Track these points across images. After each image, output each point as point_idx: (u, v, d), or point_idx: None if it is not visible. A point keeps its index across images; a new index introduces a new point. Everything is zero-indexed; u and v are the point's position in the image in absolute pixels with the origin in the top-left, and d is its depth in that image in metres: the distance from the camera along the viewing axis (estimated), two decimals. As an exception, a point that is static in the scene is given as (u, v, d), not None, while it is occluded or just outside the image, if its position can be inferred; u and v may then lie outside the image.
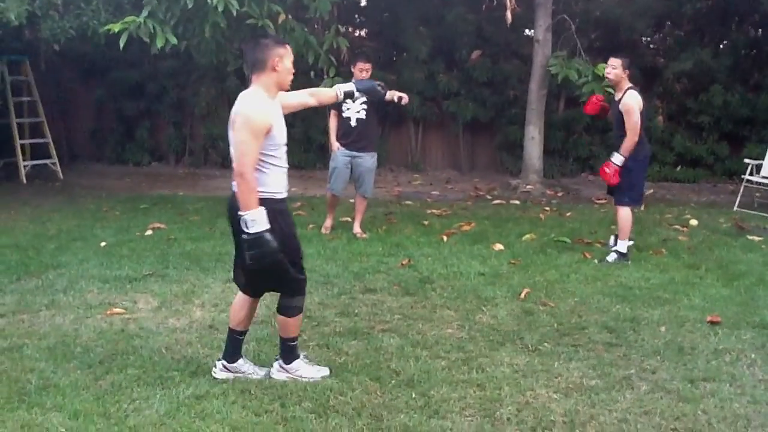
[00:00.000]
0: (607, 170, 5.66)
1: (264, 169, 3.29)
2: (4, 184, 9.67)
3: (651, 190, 9.54)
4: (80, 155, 11.83)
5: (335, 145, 6.61)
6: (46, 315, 4.51)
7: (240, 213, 3.17)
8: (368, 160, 6.61)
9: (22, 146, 10.14)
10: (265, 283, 3.50)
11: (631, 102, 5.54)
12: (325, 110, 6.92)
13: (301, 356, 3.64)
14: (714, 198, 9.10)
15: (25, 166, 10.03)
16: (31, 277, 5.30)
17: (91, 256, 5.82)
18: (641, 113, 5.58)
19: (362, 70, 6.42)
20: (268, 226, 3.17)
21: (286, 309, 3.49)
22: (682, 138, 10.22)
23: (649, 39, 11.22)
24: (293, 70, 3.37)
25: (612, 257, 5.73)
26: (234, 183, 3.24)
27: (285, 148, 3.44)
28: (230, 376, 3.55)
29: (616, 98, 5.71)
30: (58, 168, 10.27)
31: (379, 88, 4.00)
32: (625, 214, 5.71)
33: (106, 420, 3.14)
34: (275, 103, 3.37)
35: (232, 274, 3.67)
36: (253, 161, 3.21)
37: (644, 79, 10.36)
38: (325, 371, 3.60)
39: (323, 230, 6.77)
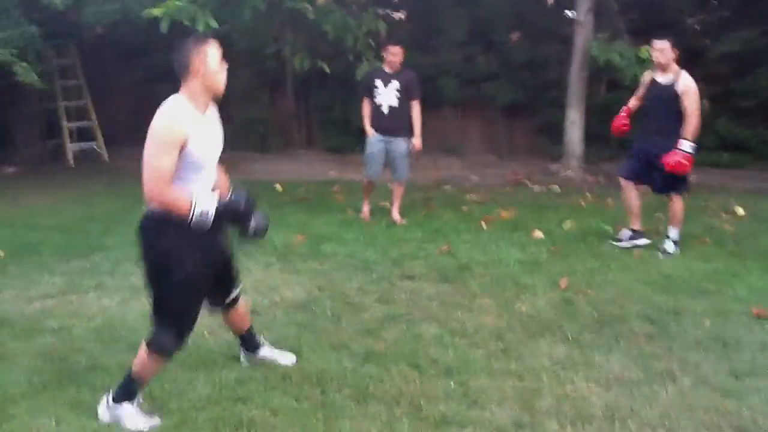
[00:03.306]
0: (683, 161, 5.30)
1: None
2: (52, 167, 9.91)
3: (695, 176, 9.32)
4: (121, 137, 12.05)
5: (370, 131, 6.61)
6: (94, 297, 4.64)
7: (188, 221, 2.80)
8: (402, 145, 6.59)
9: (69, 129, 10.37)
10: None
11: (691, 83, 5.36)
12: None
13: (135, 404, 3.08)
14: (760, 185, 8.86)
15: (72, 150, 10.25)
16: (78, 258, 5.45)
17: (134, 239, 5.92)
18: None
19: (394, 54, 6.40)
20: (215, 202, 2.85)
21: (150, 340, 3.01)
22: (727, 122, 9.93)
23: (693, 19, 10.90)
24: (223, 69, 2.93)
25: (671, 247, 5.58)
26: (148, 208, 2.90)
27: (206, 173, 2.95)
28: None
29: (662, 81, 5.53)
30: (104, 150, 10.48)
31: (240, 203, 3.01)
32: (679, 202, 5.61)
33: (150, 402, 3.22)
34: (205, 114, 2.92)
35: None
36: (168, 178, 2.75)
37: (687, 60, 10.04)
38: (155, 422, 3.05)
39: (362, 216, 6.81)
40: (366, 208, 6.88)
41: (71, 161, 10.16)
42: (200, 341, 3.90)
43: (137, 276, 4.97)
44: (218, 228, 2.94)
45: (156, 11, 6.88)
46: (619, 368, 3.58)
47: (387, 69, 6.50)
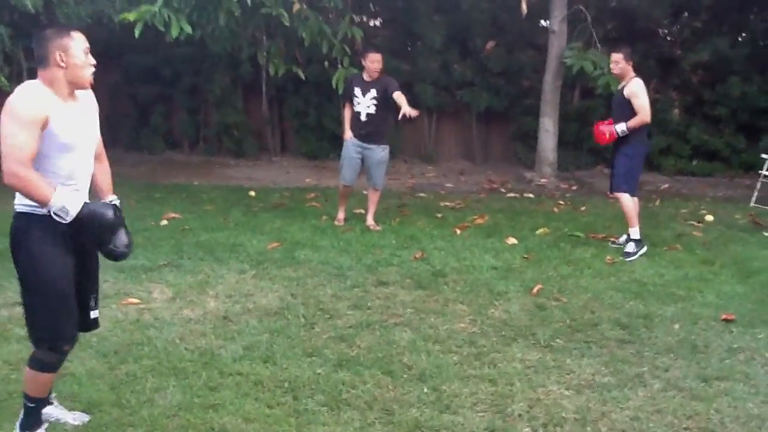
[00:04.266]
0: (603, 129, 5.76)
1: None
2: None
3: (666, 185, 9.49)
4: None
5: (348, 134, 6.62)
6: (62, 303, 4.55)
7: (47, 211, 2.56)
8: (378, 152, 6.60)
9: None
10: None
11: (637, 87, 5.66)
12: (339, 99, 6.94)
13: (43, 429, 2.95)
14: (730, 193, 9.03)
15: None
16: (47, 265, 5.34)
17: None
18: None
19: (373, 61, 6.41)
20: (82, 202, 2.62)
21: (31, 356, 2.82)
22: (699, 130, 10.12)
23: (666, 30, 11.09)
24: (91, 61, 2.72)
25: (631, 247, 5.74)
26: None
27: (76, 160, 2.72)
28: None
29: (619, 87, 5.87)
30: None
31: (107, 214, 2.72)
32: (626, 200, 5.78)
33: (120, 410, 3.17)
34: (68, 102, 2.70)
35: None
36: (26, 156, 2.52)
37: (661, 70, 10.28)
38: None
39: (336, 222, 6.80)
40: (341, 215, 6.88)
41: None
42: (171, 348, 3.86)
43: (108, 283, 4.94)
44: (81, 231, 2.67)
45: (130, 15, 6.83)
46: (591, 373, 3.62)
47: (365, 76, 6.51)
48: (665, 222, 7.08)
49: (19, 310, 4.39)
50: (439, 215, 7.29)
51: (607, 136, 5.77)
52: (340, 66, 8.11)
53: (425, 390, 3.40)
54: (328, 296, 4.73)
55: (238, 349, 3.83)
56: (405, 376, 3.55)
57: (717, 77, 10.02)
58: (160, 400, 3.27)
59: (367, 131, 6.51)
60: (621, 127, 5.67)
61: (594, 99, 9.94)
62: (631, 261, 5.61)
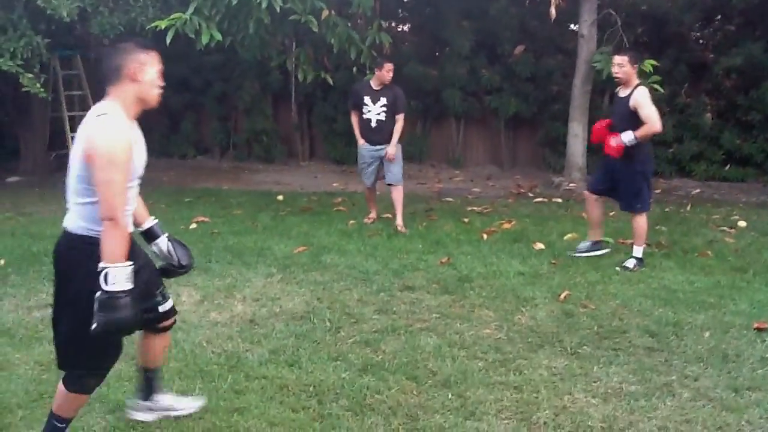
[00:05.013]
0: (613, 142, 5.32)
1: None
2: (56, 177, 9.95)
3: (698, 190, 9.32)
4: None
5: (361, 140, 6.93)
6: (93, 306, 4.63)
7: (103, 265, 2.43)
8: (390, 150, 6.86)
9: (73, 138, 10.42)
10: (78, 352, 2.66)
11: (642, 97, 5.27)
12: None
13: None
14: (764, 198, 8.83)
15: (75, 159, 10.31)
16: (80, 268, 5.45)
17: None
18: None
19: (389, 70, 6.71)
20: (131, 286, 2.47)
21: (71, 378, 2.73)
22: (731, 135, 9.91)
23: (698, 34, 10.91)
24: (161, 83, 2.73)
25: (632, 263, 5.50)
26: (67, 220, 2.67)
27: (136, 186, 2.73)
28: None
29: (621, 95, 5.46)
30: (107, 160, 10.55)
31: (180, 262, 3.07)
32: (642, 220, 5.52)
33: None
34: (134, 125, 2.71)
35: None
36: (124, 202, 2.52)
37: (692, 75, 10.11)
38: None
39: (366, 220, 7.06)
40: (372, 214, 7.16)
41: (75, 171, 10.22)
42: (198, 351, 3.91)
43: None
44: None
45: (162, 24, 6.93)
46: (618, 381, 3.57)
47: (374, 84, 6.79)
48: (696, 228, 6.96)
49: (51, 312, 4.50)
50: (466, 220, 7.27)
51: (615, 146, 5.32)
52: (368, 72, 8.14)
53: (450, 396, 3.39)
54: (353, 300, 4.74)
55: (264, 353, 3.87)
56: (430, 381, 3.55)
57: (750, 82, 9.81)
58: (187, 402, 3.31)
59: (379, 137, 6.81)
60: (628, 137, 5.26)
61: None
62: (632, 269, 5.41)
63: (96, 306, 2.42)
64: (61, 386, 2.75)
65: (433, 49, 11.12)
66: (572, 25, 10.26)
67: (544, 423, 3.15)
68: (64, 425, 2.78)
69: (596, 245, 5.88)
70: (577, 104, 9.29)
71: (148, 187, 9.66)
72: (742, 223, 7.11)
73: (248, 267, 5.50)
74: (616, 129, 5.43)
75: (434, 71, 10.62)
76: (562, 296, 4.84)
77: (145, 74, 2.65)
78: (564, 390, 3.46)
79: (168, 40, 6.95)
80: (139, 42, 2.75)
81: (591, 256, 5.79)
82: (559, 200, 8.56)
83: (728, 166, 9.98)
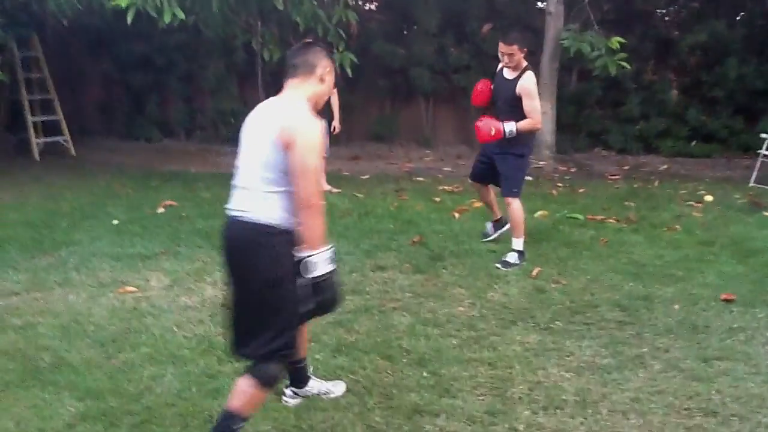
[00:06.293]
0: (491, 128, 4.94)
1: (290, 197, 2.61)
2: (17, 161, 9.69)
3: (665, 166, 9.45)
4: (90, 129, 11.82)
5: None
6: (60, 293, 4.53)
7: (309, 252, 2.56)
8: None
9: (34, 123, 10.13)
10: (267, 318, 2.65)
11: (530, 85, 4.92)
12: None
13: None
14: (729, 173, 8.99)
15: (37, 143, 10.03)
16: (44, 254, 5.32)
17: (103, 234, 5.84)
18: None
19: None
20: (335, 266, 2.65)
21: (263, 370, 2.65)
22: (696, 112, 10.06)
23: (663, 11, 11.01)
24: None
25: (513, 257, 5.07)
26: (241, 210, 2.65)
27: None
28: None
29: (507, 76, 5.04)
30: (71, 145, 10.27)
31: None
32: (517, 206, 5.11)
33: (118, 398, 3.16)
34: None
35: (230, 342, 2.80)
36: (320, 188, 2.63)
37: (658, 51, 10.21)
38: None
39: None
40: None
41: (37, 155, 9.94)
42: (168, 336, 3.84)
43: (105, 271, 4.92)
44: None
45: (121, 2, 6.73)
46: (591, 355, 3.61)
47: None
48: (664, 203, 7.06)
49: (16, 300, 4.39)
50: (437, 199, 7.26)
51: (492, 133, 4.94)
52: (335, 51, 8.03)
53: (424, 374, 3.39)
54: (326, 282, 4.70)
55: (236, 336, 3.81)
56: (404, 360, 3.54)
57: (714, 59, 9.95)
58: (159, 388, 3.26)
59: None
60: (510, 128, 4.89)
61: (592, 81, 9.89)
62: (505, 271, 4.93)
63: (310, 290, 2.59)
64: (244, 385, 2.65)
65: (400, 28, 11.03)
66: (540, 3, 10.26)
67: (519, 398, 3.17)
68: (243, 424, 2.69)
69: (498, 224, 5.64)
70: (546, 82, 9.28)
71: (114, 171, 9.54)
72: (708, 198, 7.22)
73: (217, 250, 5.39)
74: (499, 111, 5.11)
75: (402, 50, 10.54)
76: (534, 273, 4.86)
77: (330, 78, 2.83)
78: (537, 365, 3.49)
79: (129, 19, 6.77)
80: (327, 48, 2.97)
81: (505, 231, 5.52)
82: (529, 178, 8.56)
83: (694, 142, 10.13)
